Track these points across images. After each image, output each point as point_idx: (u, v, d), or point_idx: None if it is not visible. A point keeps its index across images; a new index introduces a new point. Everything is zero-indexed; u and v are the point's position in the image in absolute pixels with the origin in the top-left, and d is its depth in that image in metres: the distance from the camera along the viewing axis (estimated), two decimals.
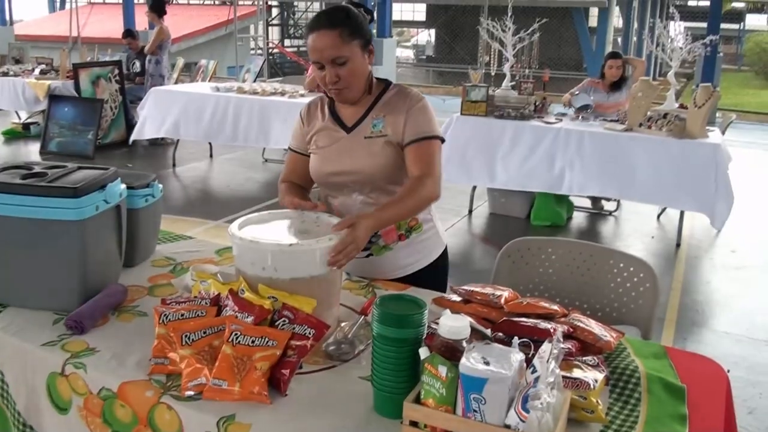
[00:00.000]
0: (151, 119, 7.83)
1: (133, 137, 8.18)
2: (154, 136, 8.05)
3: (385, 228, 2.26)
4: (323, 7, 18.42)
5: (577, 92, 6.75)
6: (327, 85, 2.16)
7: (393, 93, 2.27)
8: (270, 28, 21.01)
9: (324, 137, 2.30)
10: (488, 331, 1.60)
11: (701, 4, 22.38)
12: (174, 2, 24.50)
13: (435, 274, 2.35)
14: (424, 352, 1.39)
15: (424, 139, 2.18)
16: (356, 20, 2.14)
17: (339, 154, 2.26)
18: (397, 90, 2.28)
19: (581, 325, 1.68)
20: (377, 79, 2.30)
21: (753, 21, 31.06)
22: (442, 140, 2.25)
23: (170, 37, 9.69)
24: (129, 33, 10.52)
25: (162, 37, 9.37)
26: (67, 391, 1.69)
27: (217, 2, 24.87)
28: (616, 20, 22.27)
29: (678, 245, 5.90)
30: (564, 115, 6.42)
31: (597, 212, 6.82)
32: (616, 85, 6.67)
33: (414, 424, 1.38)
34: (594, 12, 22.39)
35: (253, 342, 1.58)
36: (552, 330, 1.57)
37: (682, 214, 5.93)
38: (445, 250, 2.46)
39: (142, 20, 15.90)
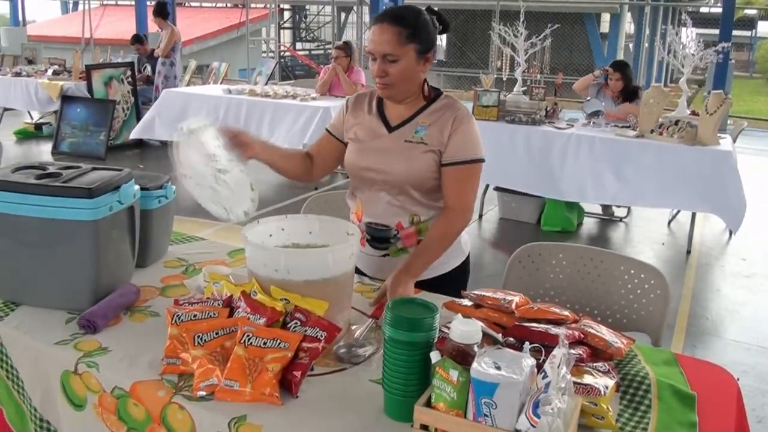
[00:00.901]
0: (162, 120, 7.85)
1: (133, 135, 8.17)
2: (166, 138, 8.06)
3: (406, 231, 2.27)
4: (335, 11, 18.50)
5: (588, 97, 6.74)
6: (374, 77, 2.20)
7: (442, 104, 2.28)
8: (282, 31, 21.07)
9: (365, 131, 2.32)
10: (499, 336, 1.60)
11: (713, 10, 22.29)
12: (186, 4, 24.61)
13: (453, 282, 2.32)
14: (435, 356, 1.39)
15: (464, 163, 2.22)
16: (422, 25, 2.17)
17: (376, 151, 2.28)
18: (446, 102, 2.29)
19: (592, 331, 1.69)
20: (430, 87, 2.31)
21: (765, 28, 30.89)
22: (484, 160, 2.27)
23: (181, 38, 9.80)
24: (137, 39, 10.53)
25: (174, 39, 9.49)
26: (82, 388, 1.71)
27: (229, 5, 24.91)
28: (628, 26, 22.21)
29: (688, 252, 5.89)
30: (575, 120, 6.41)
31: (607, 218, 6.81)
32: (625, 95, 6.64)
33: (424, 427, 1.38)
34: (606, 18, 22.34)
35: (264, 344, 1.59)
36: (564, 336, 1.57)
37: (693, 220, 5.92)
38: (467, 259, 2.46)
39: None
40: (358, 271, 2.35)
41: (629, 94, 6.56)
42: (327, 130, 2.44)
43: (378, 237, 2.31)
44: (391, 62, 2.14)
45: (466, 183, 2.25)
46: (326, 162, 2.43)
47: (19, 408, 1.89)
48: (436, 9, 2.26)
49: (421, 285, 2.23)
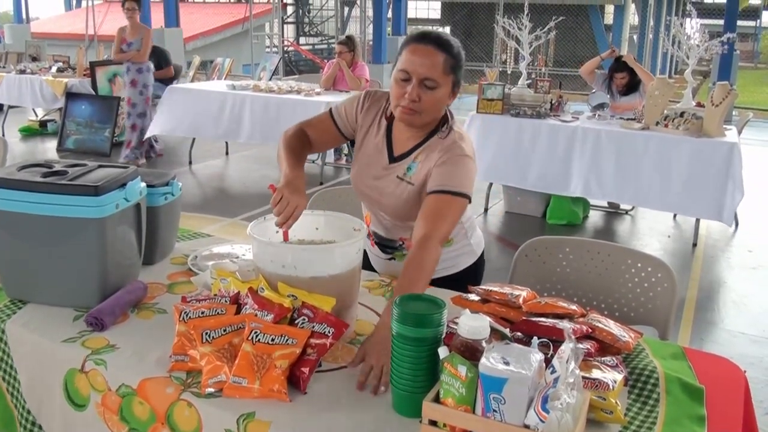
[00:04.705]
0: (168, 117, 7.86)
1: (148, 134, 8.18)
2: (172, 133, 8.05)
3: (410, 241, 2.24)
4: (338, 5, 18.47)
5: (594, 89, 6.72)
6: (401, 100, 2.02)
7: (441, 136, 2.12)
8: (285, 26, 21.04)
9: (370, 154, 2.23)
10: (507, 331, 1.60)
11: (718, 0, 22.22)
12: (190, 0, 24.60)
13: (463, 284, 2.23)
14: (443, 352, 1.39)
15: (445, 193, 2.00)
16: (461, 59, 2.06)
17: (373, 179, 2.22)
18: (447, 133, 2.12)
19: (600, 325, 1.68)
20: (448, 116, 2.15)
21: None
22: (470, 200, 2.07)
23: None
24: None
25: (150, 41, 8.08)
26: (86, 387, 1.71)
27: (232, 0, 24.92)
28: (632, 18, 22.16)
29: (694, 245, 5.88)
30: (581, 113, 6.40)
31: (613, 211, 6.80)
32: (629, 87, 6.62)
33: (433, 423, 1.38)
34: (610, 9, 22.31)
35: (272, 340, 1.59)
36: (571, 330, 1.57)
37: None
38: (480, 259, 2.43)
39: (158, 18, 15.99)
40: (368, 267, 2.35)
41: (633, 86, 6.56)
42: (332, 115, 2.29)
43: (384, 244, 2.32)
44: (428, 89, 1.99)
45: (445, 214, 1.99)
46: (323, 147, 2.36)
47: (8, 412, 1.90)
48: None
49: (430, 284, 2.20)
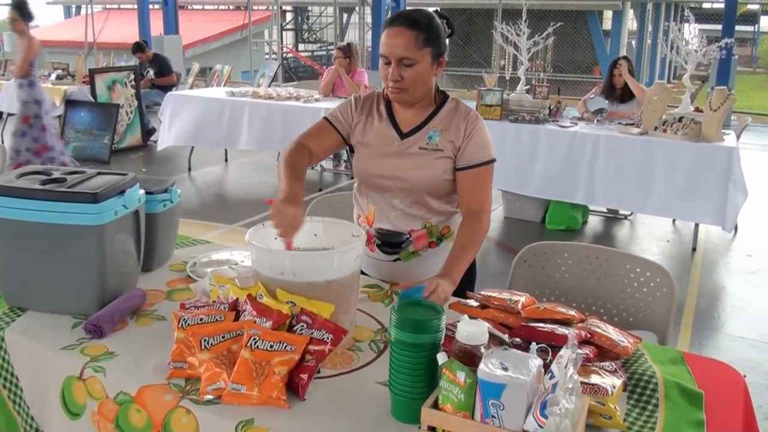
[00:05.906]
0: (174, 128, 7.87)
1: (160, 146, 8.18)
2: (174, 144, 8.05)
3: (417, 233, 2.27)
4: (337, 11, 18.51)
5: (592, 96, 6.73)
6: (388, 82, 2.16)
7: (451, 107, 2.29)
8: (284, 32, 21.08)
9: (375, 137, 2.30)
10: (506, 337, 1.60)
11: (715, 6, 22.25)
12: (189, 7, 24.64)
13: (460, 285, 2.18)
14: (442, 358, 1.39)
15: (480, 166, 2.23)
16: (436, 30, 2.16)
17: (389, 157, 2.26)
18: (455, 105, 2.30)
19: (599, 330, 1.68)
20: (438, 90, 2.31)
21: None
22: (495, 159, 2.29)
23: (39, 50, 7.20)
24: (138, 47, 10.43)
25: (33, 52, 6.84)
26: (83, 395, 1.70)
27: (231, 7, 24.95)
28: (631, 23, 22.19)
29: (694, 249, 5.88)
30: (579, 119, 6.41)
31: (612, 216, 6.80)
32: (626, 94, 6.63)
33: (432, 429, 1.38)
34: (608, 15, 22.33)
35: (271, 347, 1.59)
36: (573, 336, 1.57)
37: None
38: (473, 263, 2.44)
39: (157, 25, 16.02)
40: (365, 275, 2.35)
41: (630, 93, 6.57)
42: (328, 120, 2.35)
43: (390, 242, 2.31)
44: (406, 66, 2.11)
45: (484, 185, 2.25)
46: (324, 154, 2.39)
47: (11, 420, 1.89)
48: (442, 12, 2.24)
49: None
